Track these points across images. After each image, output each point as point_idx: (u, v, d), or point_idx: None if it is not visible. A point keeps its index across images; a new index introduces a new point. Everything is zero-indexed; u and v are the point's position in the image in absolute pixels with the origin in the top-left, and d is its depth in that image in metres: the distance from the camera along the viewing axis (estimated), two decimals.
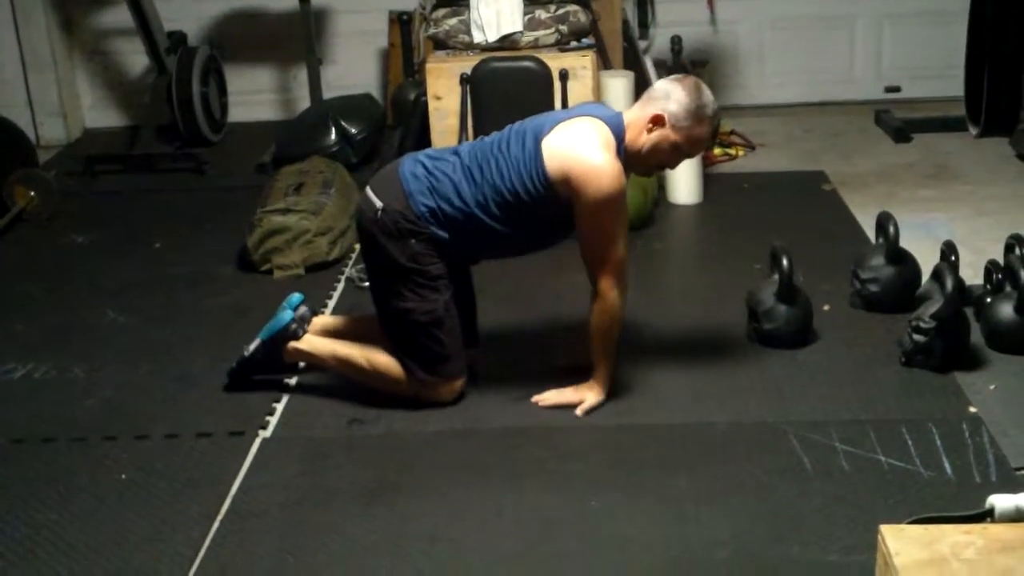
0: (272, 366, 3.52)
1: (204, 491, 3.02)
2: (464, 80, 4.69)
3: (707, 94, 3.25)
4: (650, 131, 3.21)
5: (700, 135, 3.23)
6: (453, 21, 4.80)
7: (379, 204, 3.28)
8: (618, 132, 3.21)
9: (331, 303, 4.19)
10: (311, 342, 3.49)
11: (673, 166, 3.37)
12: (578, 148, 3.14)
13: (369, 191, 3.34)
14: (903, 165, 5.49)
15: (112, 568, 2.72)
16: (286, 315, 3.49)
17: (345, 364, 3.44)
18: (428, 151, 3.42)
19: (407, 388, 3.36)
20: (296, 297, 3.56)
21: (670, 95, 3.21)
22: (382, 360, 3.37)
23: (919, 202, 4.96)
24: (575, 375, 3.41)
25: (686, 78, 3.31)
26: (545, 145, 3.17)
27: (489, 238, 3.28)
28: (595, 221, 3.17)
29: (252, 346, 3.51)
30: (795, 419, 3.22)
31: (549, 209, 3.21)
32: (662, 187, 5.04)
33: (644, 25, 6.25)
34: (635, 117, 3.24)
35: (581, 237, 3.24)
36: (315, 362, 3.51)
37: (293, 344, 3.48)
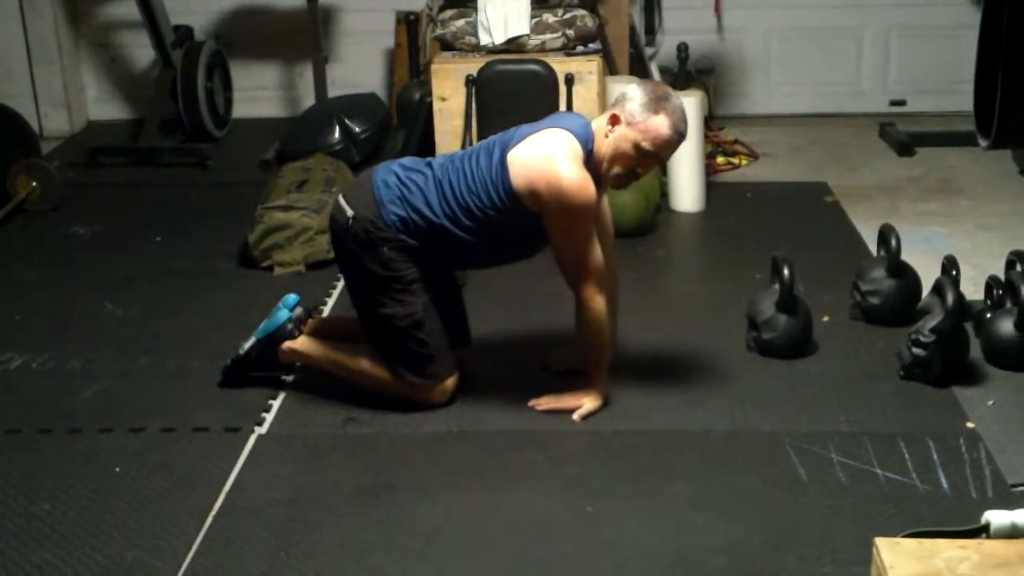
0: (267, 365, 3.52)
1: (199, 486, 3.02)
2: (470, 82, 4.69)
3: (665, 90, 3.20)
4: (608, 134, 3.18)
5: (659, 129, 3.13)
6: (460, 23, 4.80)
7: (350, 212, 3.26)
8: (586, 142, 3.18)
9: (331, 301, 4.18)
10: (306, 343, 3.48)
11: (644, 171, 3.25)
12: (542, 160, 3.12)
13: (341, 199, 3.33)
14: (906, 178, 5.49)
15: (105, 561, 2.72)
16: (282, 315, 3.49)
17: (339, 366, 3.43)
18: (403, 161, 3.39)
19: (399, 391, 3.36)
20: (292, 298, 3.56)
21: (626, 95, 3.19)
22: (375, 363, 3.36)
23: (921, 216, 4.96)
24: (571, 379, 3.41)
25: (648, 80, 3.28)
26: (510, 158, 3.16)
27: (461, 249, 3.28)
28: (567, 232, 3.16)
29: (247, 344, 3.51)
30: (792, 430, 3.22)
31: (518, 221, 3.19)
32: (665, 194, 5.03)
33: (651, 32, 6.25)
34: (599, 125, 3.21)
35: (555, 249, 3.23)
36: (309, 363, 3.50)
37: (288, 344, 3.47)
